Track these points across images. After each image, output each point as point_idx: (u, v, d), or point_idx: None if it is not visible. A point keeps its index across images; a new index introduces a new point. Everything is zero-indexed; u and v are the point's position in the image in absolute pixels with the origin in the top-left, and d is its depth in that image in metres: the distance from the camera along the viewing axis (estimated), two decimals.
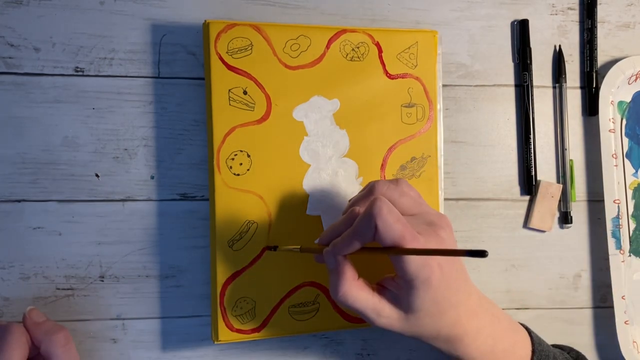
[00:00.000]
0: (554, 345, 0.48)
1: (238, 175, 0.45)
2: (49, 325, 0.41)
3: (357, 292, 0.38)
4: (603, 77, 0.52)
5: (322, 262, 0.40)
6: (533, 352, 0.42)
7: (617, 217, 0.51)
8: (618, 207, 0.51)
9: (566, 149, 0.52)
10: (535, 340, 0.43)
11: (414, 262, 0.36)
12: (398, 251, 0.35)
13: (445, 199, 0.51)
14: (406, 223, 0.36)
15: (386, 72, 0.48)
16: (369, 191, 0.40)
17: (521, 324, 0.45)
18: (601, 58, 0.53)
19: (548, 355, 0.43)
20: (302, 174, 0.46)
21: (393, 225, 0.35)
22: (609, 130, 0.51)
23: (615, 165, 0.51)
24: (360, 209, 0.38)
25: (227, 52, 0.44)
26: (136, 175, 0.47)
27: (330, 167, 0.47)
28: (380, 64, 0.47)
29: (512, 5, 0.52)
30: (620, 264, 0.51)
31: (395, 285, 0.38)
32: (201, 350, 0.48)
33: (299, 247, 0.43)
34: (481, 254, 0.28)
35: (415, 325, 0.38)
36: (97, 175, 0.46)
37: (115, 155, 0.46)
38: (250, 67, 0.45)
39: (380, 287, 0.39)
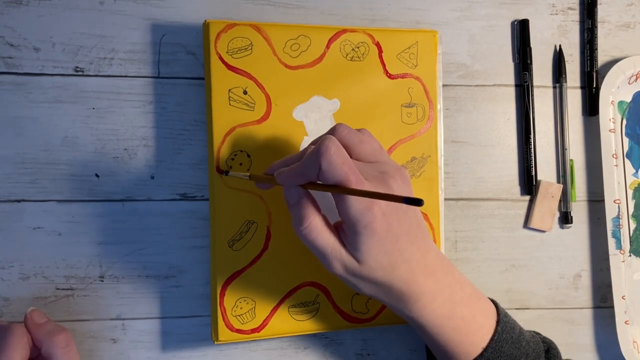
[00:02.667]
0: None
1: None
2: (50, 326, 0.41)
3: (321, 227, 0.37)
4: (603, 77, 0.52)
5: (265, 189, 0.41)
6: (498, 322, 0.42)
7: (618, 217, 0.51)
8: (618, 207, 0.51)
9: (566, 149, 0.52)
10: (501, 312, 0.42)
11: (354, 206, 0.35)
12: (337, 190, 0.34)
13: (445, 199, 0.51)
14: (353, 166, 0.35)
15: (386, 72, 0.48)
16: (330, 132, 0.39)
17: (489, 299, 0.44)
18: (601, 58, 0.53)
19: (513, 328, 0.42)
20: None
21: (338, 166, 0.34)
22: (609, 130, 0.51)
23: (616, 165, 0.51)
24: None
25: (227, 52, 0.44)
26: (136, 175, 0.47)
27: None
28: (380, 63, 0.47)
29: (512, 5, 0.52)
30: (621, 264, 0.51)
31: (344, 234, 0.37)
32: (201, 350, 0.48)
33: (249, 174, 0.42)
34: (417, 202, 0.28)
35: (368, 277, 0.38)
36: (97, 175, 0.46)
37: (115, 155, 0.46)
38: (250, 67, 0.45)
39: (336, 232, 0.38)
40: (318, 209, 0.38)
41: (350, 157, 0.38)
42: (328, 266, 0.38)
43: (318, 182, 0.36)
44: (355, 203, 0.35)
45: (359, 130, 0.40)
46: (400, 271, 0.38)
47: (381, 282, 0.38)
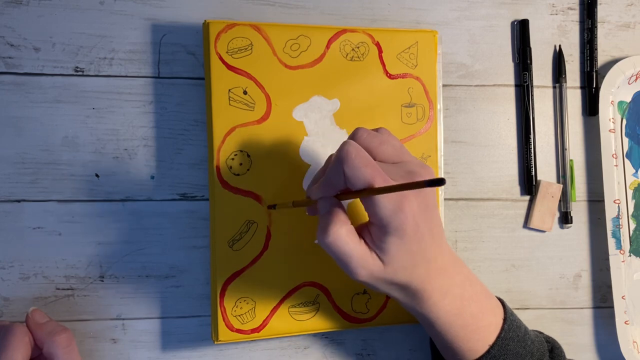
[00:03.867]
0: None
1: (238, 175, 0.45)
2: (51, 326, 0.41)
3: (347, 235, 0.36)
4: (603, 77, 0.52)
5: (313, 214, 0.40)
6: (504, 320, 0.42)
7: (617, 217, 0.51)
8: (618, 207, 0.51)
9: (566, 149, 0.52)
10: (508, 311, 0.43)
11: (386, 207, 0.35)
12: (366, 193, 0.34)
13: (445, 199, 0.51)
14: (377, 167, 0.35)
15: (386, 72, 0.48)
16: (350, 137, 0.39)
17: (496, 297, 0.44)
18: (601, 58, 0.53)
19: (519, 327, 0.43)
20: (302, 174, 0.46)
21: (361, 169, 0.34)
22: (609, 130, 0.51)
23: (616, 165, 0.51)
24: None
25: (227, 52, 0.44)
26: (136, 175, 0.47)
27: None
28: (380, 63, 0.47)
29: (512, 5, 0.52)
30: (621, 264, 0.51)
31: (370, 236, 0.37)
32: (201, 350, 0.48)
33: (292, 201, 0.42)
34: (440, 182, 0.27)
35: (390, 278, 0.37)
36: (97, 175, 0.46)
37: (115, 155, 0.46)
38: (250, 67, 0.45)
39: (360, 237, 0.38)
40: (347, 218, 0.37)
41: (374, 160, 0.38)
42: (352, 273, 0.37)
43: (351, 190, 0.36)
44: (387, 204, 0.35)
45: (377, 130, 0.40)
46: (419, 270, 0.38)
47: (400, 282, 0.38)
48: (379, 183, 0.34)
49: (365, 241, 0.37)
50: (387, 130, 0.40)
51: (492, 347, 0.41)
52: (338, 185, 0.36)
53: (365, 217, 0.38)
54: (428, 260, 0.38)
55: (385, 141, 0.39)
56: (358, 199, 0.40)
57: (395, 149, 0.39)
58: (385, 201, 0.35)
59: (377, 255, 0.37)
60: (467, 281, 0.41)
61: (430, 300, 0.39)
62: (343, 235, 0.36)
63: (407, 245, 0.36)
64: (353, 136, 0.39)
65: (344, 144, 0.35)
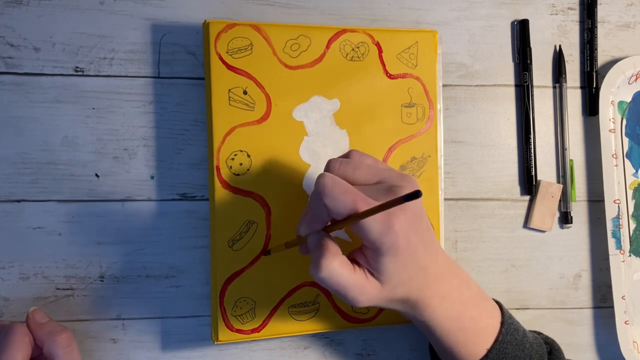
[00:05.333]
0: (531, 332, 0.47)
1: (238, 175, 0.45)
2: (51, 326, 0.41)
3: (340, 267, 0.36)
4: (603, 77, 0.52)
5: (306, 252, 0.39)
6: (502, 323, 0.42)
7: (617, 217, 0.51)
8: (618, 207, 0.51)
9: (566, 149, 0.52)
10: (505, 313, 0.43)
11: (375, 229, 0.35)
12: (351, 220, 0.34)
13: (445, 199, 0.51)
14: (356, 192, 0.35)
15: (386, 72, 0.48)
16: (324, 171, 0.39)
17: (493, 299, 0.44)
18: (601, 58, 0.53)
19: (517, 329, 0.43)
20: (302, 174, 0.46)
21: (340, 197, 0.34)
22: (609, 130, 0.51)
23: (616, 165, 0.51)
24: None
25: (227, 52, 0.44)
26: (136, 175, 0.47)
27: None
28: (380, 63, 0.47)
29: (512, 5, 0.52)
30: (621, 264, 0.51)
31: (365, 258, 0.37)
32: (201, 350, 0.48)
33: (285, 243, 0.42)
34: (415, 195, 0.27)
35: (389, 295, 0.38)
36: (97, 175, 0.46)
37: (115, 155, 0.46)
38: (250, 67, 0.45)
39: (354, 263, 0.38)
40: (339, 250, 0.37)
41: (353, 185, 0.37)
42: (352, 302, 0.37)
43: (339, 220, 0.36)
44: (375, 226, 0.35)
45: (346, 154, 0.40)
46: (416, 281, 0.38)
47: (399, 297, 0.38)
48: (362, 207, 0.34)
49: (360, 264, 0.37)
50: (357, 151, 0.40)
51: (490, 351, 0.41)
52: (323, 218, 0.36)
53: None
54: (423, 269, 0.38)
55: (358, 165, 0.38)
56: None
57: (370, 169, 0.39)
58: (373, 224, 0.35)
59: (374, 276, 0.37)
60: (464, 284, 0.41)
61: (429, 307, 0.40)
62: (336, 267, 0.36)
63: (401, 261, 0.36)
64: (327, 170, 0.39)
65: (319, 177, 0.35)
